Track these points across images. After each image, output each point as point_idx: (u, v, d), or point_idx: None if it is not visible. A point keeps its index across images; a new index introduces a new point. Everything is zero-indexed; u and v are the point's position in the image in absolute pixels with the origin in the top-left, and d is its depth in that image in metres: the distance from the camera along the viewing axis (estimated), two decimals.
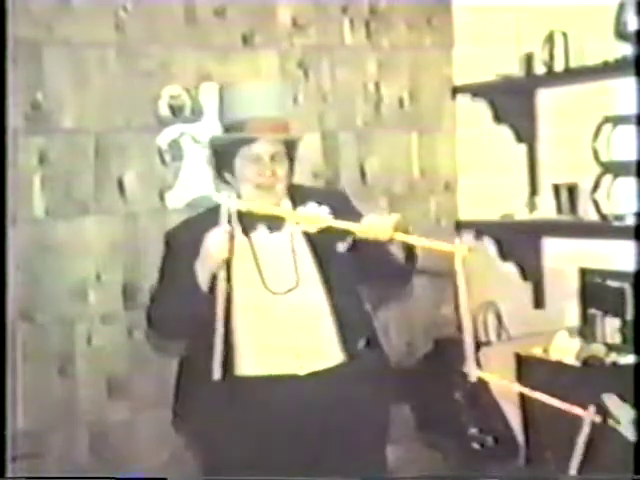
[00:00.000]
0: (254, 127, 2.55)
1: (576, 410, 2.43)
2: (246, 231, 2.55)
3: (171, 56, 3.40)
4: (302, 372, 2.53)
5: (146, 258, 3.37)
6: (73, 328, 3.27)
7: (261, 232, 2.58)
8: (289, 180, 2.63)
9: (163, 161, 3.42)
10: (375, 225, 2.39)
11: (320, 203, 2.53)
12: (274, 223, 2.56)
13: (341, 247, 2.51)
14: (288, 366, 2.53)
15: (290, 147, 2.62)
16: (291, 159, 2.62)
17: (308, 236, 2.56)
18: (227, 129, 2.64)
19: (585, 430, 2.42)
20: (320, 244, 2.56)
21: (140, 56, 3.35)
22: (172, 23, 3.41)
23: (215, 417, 2.57)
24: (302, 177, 3.35)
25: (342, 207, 2.59)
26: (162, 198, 3.42)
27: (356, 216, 2.50)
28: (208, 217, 2.51)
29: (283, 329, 2.53)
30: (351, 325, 2.59)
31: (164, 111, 3.40)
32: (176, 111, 3.42)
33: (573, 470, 2.47)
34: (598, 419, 2.42)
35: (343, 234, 2.48)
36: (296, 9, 3.64)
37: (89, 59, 3.27)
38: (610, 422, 2.80)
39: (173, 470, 3.37)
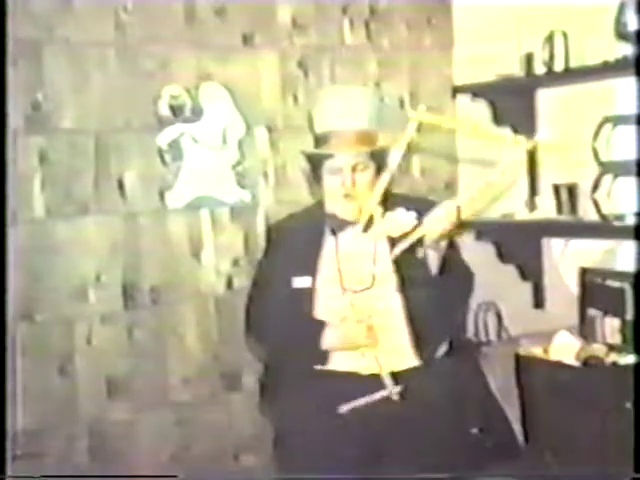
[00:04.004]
0: (337, 140, 2.52)
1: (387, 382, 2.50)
2: (334, 231, 2.59)
3: (171, 56, 3.40)
4: (365, 372, 2.53)
5: (146, 258, 3.38)
6: (73, 328, 3.26)
7: (349, 233, 2.57)
8: (378, 187, 2.59)
9: (163, 161, 3.42)
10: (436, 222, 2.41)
11: (409, 209, 2.47)
12: (362, 225, 2.55)
13: (421, 252, 2.48)
14: (353, 365, 2.54)
15: (377, 156, 2.57)
16: (380, 167, 2.56)
17: (392, 240, 2.52)
18: (316, 140, 2.61)
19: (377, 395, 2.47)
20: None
21: (140, 56, 3.35)
22: (172, 23, 3.41)
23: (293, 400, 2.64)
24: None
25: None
26: (162, 198, 3.42)
27: None
28: (310, 213, 2.67)
29: (352, 327, 2.52)
30: (427, 330, 2.56)
31: (164, 111, 3.40)
32: (176, 111, 3.42)
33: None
34: (396, 392, 2.46)
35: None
36: (296, 9, 3.64)
37: (89, 59, 3.26)
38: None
39: (173, 470, 3.37)
